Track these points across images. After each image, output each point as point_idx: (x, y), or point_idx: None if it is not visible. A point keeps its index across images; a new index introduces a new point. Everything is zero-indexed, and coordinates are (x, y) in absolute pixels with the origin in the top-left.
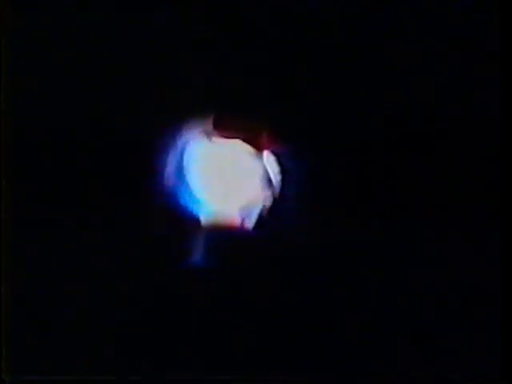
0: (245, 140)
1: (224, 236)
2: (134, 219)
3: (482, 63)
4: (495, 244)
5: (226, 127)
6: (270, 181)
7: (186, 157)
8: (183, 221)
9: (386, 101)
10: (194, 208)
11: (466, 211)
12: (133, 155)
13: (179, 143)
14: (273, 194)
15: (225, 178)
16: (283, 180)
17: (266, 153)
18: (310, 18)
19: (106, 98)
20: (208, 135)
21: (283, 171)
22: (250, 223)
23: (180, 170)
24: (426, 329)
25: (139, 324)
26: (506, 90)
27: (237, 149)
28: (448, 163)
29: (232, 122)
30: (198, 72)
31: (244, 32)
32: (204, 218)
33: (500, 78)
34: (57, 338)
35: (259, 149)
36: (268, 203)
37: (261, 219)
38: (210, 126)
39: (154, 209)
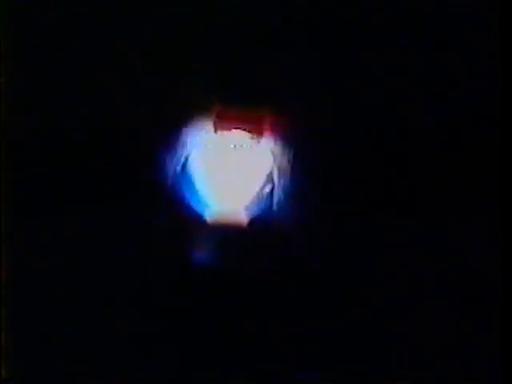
0: (246, 129)
1: (229, 234)
2: (140, 218)
3: (482, 62)
4: (495, 244)
5: (228, 118)
6: (273, 172)
7: (190, 155)
8: (188, 219)
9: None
10: (199, 206)
11: (466, 213)
12: (136, 153)
13: (183, 142)
14: (276, 185)
15: (230, 177)
16: (286, 167)
17: (266, 138)
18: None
19: (107, 95)
20: (212, 128)
21: (285, 154)
22: (253, 219)
23: (185, 170)
24: (426, 329)
25: (143, 320)
26: (506, 89)
27: (240, 143)
28: (448, 160)
29: (233, 112)
30: (198, 67)
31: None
32: (209, 217)
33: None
34: (57, 337)
35: (260, 134)
36: (271, 198)
37: (266, 213)
38: (213, 119)
39: (160, 208)
